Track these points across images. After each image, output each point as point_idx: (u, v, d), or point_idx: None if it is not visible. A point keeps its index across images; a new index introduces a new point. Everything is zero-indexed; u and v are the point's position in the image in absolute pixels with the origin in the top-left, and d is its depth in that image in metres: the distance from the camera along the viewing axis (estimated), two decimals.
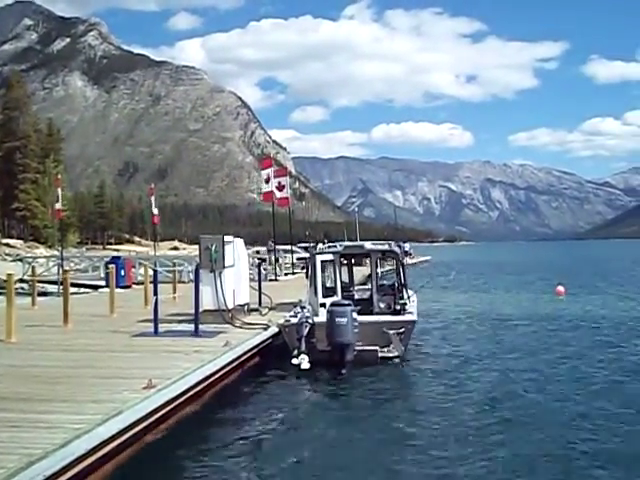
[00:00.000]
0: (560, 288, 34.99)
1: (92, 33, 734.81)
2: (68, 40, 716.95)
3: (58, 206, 31.65)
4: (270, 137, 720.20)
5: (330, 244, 19.92)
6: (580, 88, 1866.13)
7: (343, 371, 15.04)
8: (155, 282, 16.95)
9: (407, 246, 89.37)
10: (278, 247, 42.01)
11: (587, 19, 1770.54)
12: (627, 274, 56.76)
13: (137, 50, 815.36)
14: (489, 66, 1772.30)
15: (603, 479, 8.83)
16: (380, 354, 16.21)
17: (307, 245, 38.73)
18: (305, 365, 15.32)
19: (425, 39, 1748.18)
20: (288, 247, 44.57)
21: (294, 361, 15.51)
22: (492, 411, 12.06)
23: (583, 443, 10.16)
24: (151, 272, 21.72)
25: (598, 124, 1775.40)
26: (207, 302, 16.96)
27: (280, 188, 38.43)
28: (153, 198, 35.81)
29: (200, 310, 16.39)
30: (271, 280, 35.28)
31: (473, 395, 13.33)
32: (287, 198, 38.96)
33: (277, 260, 40.23)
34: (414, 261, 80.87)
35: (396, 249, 19.45)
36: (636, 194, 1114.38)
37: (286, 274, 40.08)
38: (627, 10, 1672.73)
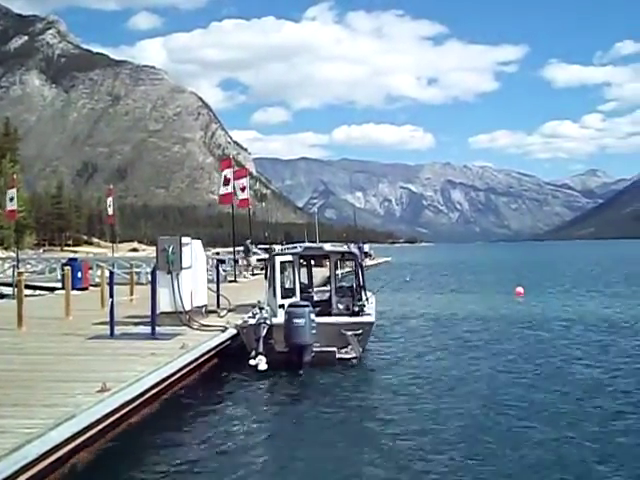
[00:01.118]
0: (519, 289, 35.40)
1: (50, 31, 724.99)
2: (26, 38, 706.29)
3: (12, 207, 31.14)
4: (231, 138, 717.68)
5: (290, 245, 19.88)
6: (539, 91, 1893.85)
7: (301, 372, 15.04)
8: (111, 284, 16.79)
9: (367, 247, 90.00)
10: (238, 248, 41.87)
11: (547, 23, 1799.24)
12: (584, 275, 57.54)
13: (97, 49, 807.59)
14: (450, 69, 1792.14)
15: (552, 466, 9.10)
16: (338, 355, 16.24)
17: (267, 247, 38.67)
18: (262, 366, 15.28)
19: (387, 41, 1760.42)
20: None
21: (252, 362, 15.46)
22: (450, 409, 12.18)
23: (533, 432, 10.65)
24: (108, 274, 21.51)
25: (557, 127, 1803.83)
26: (164, 304, 16.81)
27: (240, 189, 38.34)
28: (111, 199, 35.48)
29: (157, 312, 16.27)
30: (231, 281, 35.17)
31: (431, 395, 13.43)
32: (247, 199, 38.87)
33: (236, 262, 40.06)
34: (374, 262, 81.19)
35: (355, 251, 19.52)
36: (594, 196, 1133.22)
37: (245, 276, 39.92)
38: (586, 15, 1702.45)
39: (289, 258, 18.06)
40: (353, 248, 19.77)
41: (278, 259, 17.79)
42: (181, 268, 16.95)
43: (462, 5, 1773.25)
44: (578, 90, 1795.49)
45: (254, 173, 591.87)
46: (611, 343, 19.85)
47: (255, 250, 45.50)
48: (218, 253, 49.17)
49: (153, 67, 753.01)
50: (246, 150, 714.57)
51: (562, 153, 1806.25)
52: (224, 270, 37.99)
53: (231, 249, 43.09)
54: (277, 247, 21.56)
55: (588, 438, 10.36)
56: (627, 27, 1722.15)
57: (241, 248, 42.46)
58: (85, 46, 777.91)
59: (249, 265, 41.68)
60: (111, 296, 16.12)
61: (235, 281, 35.81)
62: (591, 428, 10.95)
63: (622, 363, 16.71)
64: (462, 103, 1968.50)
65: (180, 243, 17.14)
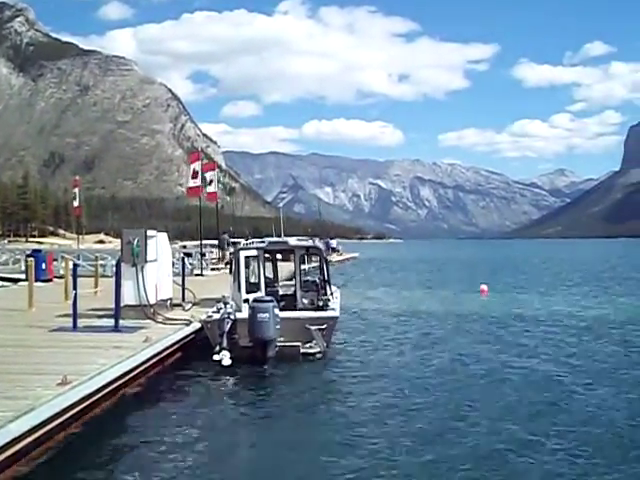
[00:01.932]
0: (483, 287, 35.69)
1: (19, 19, 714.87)
2: None
3: None
4: (200, 131, 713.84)
5: (257, 240, 19.85)
6: (509, 90, 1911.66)
7: (265, 367, 15.06)
8: (74, 276, 16.68)
9: (334, 243, 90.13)
10: (205, 242, 41.76)
11: (517, 23, 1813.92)
12: (548, 274, 58.11)
13: (66, 38, 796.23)
14: (421, 66, 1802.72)
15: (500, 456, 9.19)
16: (302, 350, 16.31)
17: (234, 240, 38.53)
18: (226, 361, 15.29)
19: (359, 37, 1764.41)
20: (215, 242, 44.29)
21: (215, 357, 15.48)
22: (412, 402, 12.38)
23: (487, 422, 10.99)
24: (72, 266, 21.32)
25: (526, 126, 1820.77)
26: (128, 297, 16.74)
27: (208, 183, 38.27)
28: (77, 190, 35.17)
29: (121, 305, 16.21)
30: (197, 275, 35.06)
31: (394, 389, 13.58)
32: (215, 193, 38.82)
33: (203, 255, 39.94)
34: (342, 258, 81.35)
35: (320, 245, 19.57)
36: (561, 195, 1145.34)
37: (212, 269, 39.80)
38: (556, 16, 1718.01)
39: (254, 253, 18.06)
40: (318, 243, 19.81)
41: (242, 253, 17.77)
42: (146, 261, 16.88)
43: (434, 3, 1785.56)
44: (547, 90, 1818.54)
45: (223, 166, 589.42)
46: (565, 339, 20.27)
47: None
48: (185, 246, 48.93)
49: (123, 58, 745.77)
50: (215, 143, 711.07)
51: (531, 152, 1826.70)
52: (191, 264, 37.86)
53: (199, 242, 42.91)
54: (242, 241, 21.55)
55: (528, 427, 10.84)
56: (597, 28, 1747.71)
57: (216, 242, 42.46)
58: (54, 35, 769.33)
59: (224, 258, 41.52)
60: (74, 288, 16.05)
61: (202, 275, 35.69)
62: (535, 419, 11.44)
63: (571, 356, 17.28)
64: (432, 100, 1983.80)
65: (145, 236, 17.06)
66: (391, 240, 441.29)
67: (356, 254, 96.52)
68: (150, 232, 17.56)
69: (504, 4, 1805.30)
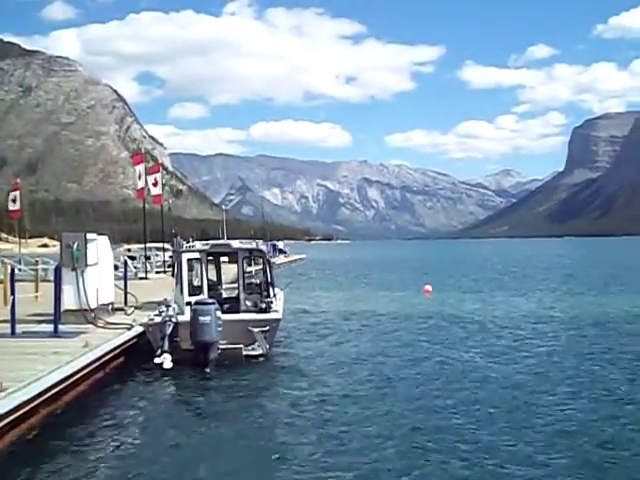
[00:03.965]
0: (427, 287, 35.99)
1: None
2: None
3: None
4: (147, 132, 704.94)
5: (204, 242, 19.77)
6: (455, 92, 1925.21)
7: (207, 370, 15.06)
8: (12, 280, 16.46)
9: (281, 244, 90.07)
10: (150, 245, 41.46)
11: (463, 25, 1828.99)
12: (493, 273, 58.85)
13: (8, 38, 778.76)
14: (368, 68, 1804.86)
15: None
16: (245, 352, 16.32)
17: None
18: (168, 364, 15.26)
19: (306, 39, 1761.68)
20: (160, 245, 43.94)
21: (157, 360, 15.43)
22: (355, 403, 12.52)
23: (423, 419, 11.11)
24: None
25: (472, 127, 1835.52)
26: (69, 301, 16.58)
27: (153, 185, 37.98)
28: (17, 193, 34.60)
29: (61, 310, 16.03)
30: (142, 278, 34.78)
31: (336, 389, 13.74)
32: (160, 195, 38.53)
33: (148, 258, 39.61)
34: (289, 259, 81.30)
35: (262, 248, 19.61)
36: (507, 195, 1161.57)
37: (157, 272, 39.52)
38: (501, 18, 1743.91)
39: (196, 255, 18.02)
40: (261, 245, 19.85)
41: (185, 256, 17.73)
42: (86, 265, 16.73)
43: (380, 5, 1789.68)
44: (493, 92, 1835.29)
45: (170, 168, 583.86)
46: (503, 336, 20.84)
47: (167, 246, 45.05)
48: (130, 250, 48.42)
49: (67, 58, 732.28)
50: (162, 145, 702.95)
51: (477, 153, 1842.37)
52: (135, 267, 37.56)
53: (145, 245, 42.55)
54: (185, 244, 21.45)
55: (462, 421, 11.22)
56: (540, 31, 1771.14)
57: (161, 245, 42.14)
58: None
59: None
60: (12, 293, 15.82)
61: (146, 278, 35.42)
62: (469, 414, 11.85)
63: (506, 353, 17.75)
64: (379, 102, 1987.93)
65: (85, 239, 16.91)
66: (339, 241, 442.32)
67: (303, 255, 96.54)
68: (90, 235, 17.40)
69: (450, 7, 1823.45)
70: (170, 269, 39.70)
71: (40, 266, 29.56)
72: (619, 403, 12.50)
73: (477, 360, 17.02)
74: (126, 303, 20.08)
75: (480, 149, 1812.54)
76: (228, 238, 21.95)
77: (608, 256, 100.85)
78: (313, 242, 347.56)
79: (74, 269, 16.60)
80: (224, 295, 19.55)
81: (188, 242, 21.53)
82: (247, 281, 19.31)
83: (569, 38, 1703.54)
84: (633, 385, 14.02)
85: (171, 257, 30.12)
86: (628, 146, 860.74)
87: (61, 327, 15.54)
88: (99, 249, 17.74)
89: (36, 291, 23.75)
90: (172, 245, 41.64)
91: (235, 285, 20.07)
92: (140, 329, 16.51)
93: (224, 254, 20.93)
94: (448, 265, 76.87)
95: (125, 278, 21.76)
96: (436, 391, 13.58)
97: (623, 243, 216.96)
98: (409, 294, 36.23)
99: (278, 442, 10.43)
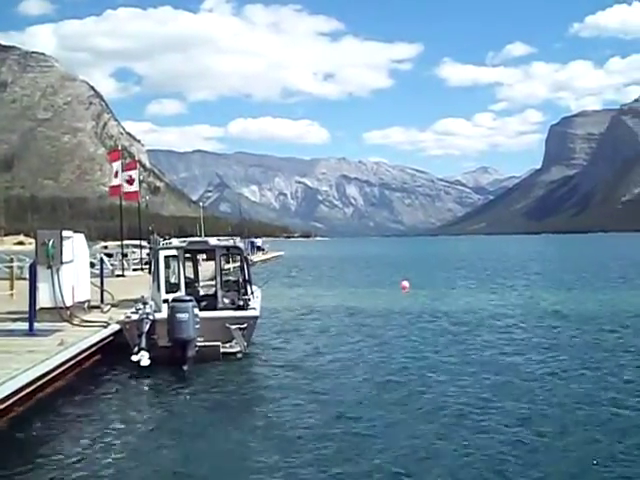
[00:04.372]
0: (405, 283, 36.08)
1: None
2: None
3: None
4: (124, 129, 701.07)
5: (181, 239, 19.68)
6: (433, 89, 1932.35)
7: (185, 367, 14.98)
8: None
9: (259, 242, 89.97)
10: (127, 242, 41.21)
11: (441, 23, 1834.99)
12: (472, 270, 59.14)
13: None
14: (346, 65, 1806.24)
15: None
16: (222, 350, 16.29)
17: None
18: (145, 362, 15.16)
19: (284, 35, 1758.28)
20: (137, 242, 43.67)
21: (134, 358, 15.32)
22: (333, 400, 12.55)
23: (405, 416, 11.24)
24: None
25: (449, 124, 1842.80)
26: (44, 299, 16.45)
27: (130, 182, 37.70)
28: None
29: (37, 308, 15.90)
30: (118, 276, 34.55)
31: (314, 385, 13.75)
32: (136, 192, 38.26)
33: (125, 255, 39.37)
34: (267, 256, 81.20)
35: (240, 245, 19.55)
36: (485, 192, 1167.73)
37: (134, 269, 39.27)
38: (479, 16, 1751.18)
39: (173, 252, 17.93)
40: (239, 242, 19.79)
41: (162, 253, 17.62)
42: (61, 262, 16.61)
43: (359, 2, 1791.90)
44: (470, 89, 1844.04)
45: (147, 165, 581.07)
46: (481, 333, 20.95)
47: (144, 244, 44.84)
48: (106, 247, 48.02)
49: (43, 54, 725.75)
50: (139, 141, 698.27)
51: (454, 150, 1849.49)
52: (112, 264, 37.31)
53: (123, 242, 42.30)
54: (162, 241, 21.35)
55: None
56: (517, 29, 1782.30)
57: (138, 242, 41.85)
58: None
59: None
60: None
61: (123, 275, 35.18)
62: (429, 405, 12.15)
63: (482, 350, 17.85)
64: (357, 99, 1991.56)
65: (61, 237, 16.77)
66: (317, 238, 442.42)
67: (281, 252, 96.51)
68: (66, 233, 17.27)
69: (428, 4, 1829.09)
70: (147, 266, 39.62)
71: (15, 264, 29.23)
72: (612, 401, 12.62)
73: (448, 354, 17.26)
74: (102, 301, 19.95)
75: (458, 146, 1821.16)
76: (206, 235, 21.89)
77: (583, 253, 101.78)
78: (292, 239, 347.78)
79: (49, 267, 16.47)
80: (201, 292, 19.49)
81: (164, 239, 21.42)
82: (225, 278, 19.28)
83: (546, 36, 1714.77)
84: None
85: (148, 254, 29.90)
86: (604, 143, 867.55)
87: (36, 325, 15.40)
88: (75, 246, 17.63)
89: (11, 289, 23.57)
90: (149, 242, 41.48)
91: (213, 282, 20.00)
92: (117, 327, 16.42)
93: (201, 251, 20.87)
94: (425, 262, 77.07)
95: (101, 276, 21.62)
96: (412, 385, 13.72)
97: (599, 240, 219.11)
98: (386, 291, 36.34)
99: (256, 438, 10.41)
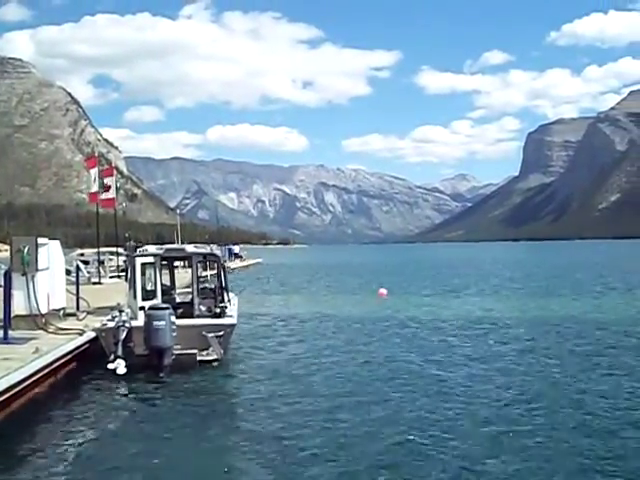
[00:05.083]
0: (382, 290, 36.10)
1: None
2: None
3: None
4: (101, 135, 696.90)
5: (158, 247, 19.62)
6: (411, 97, 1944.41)
7: (161, 375, 14.95)
8: None
9: (237, 249, 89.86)
10: (104, 249, 41.00)
11: (419, 31, 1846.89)
12: (448, 277, 59.37)
13: None
14: (325, 72, 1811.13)
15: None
16: (199, 357, 16.25)
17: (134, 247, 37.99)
18: (121, 370, 15.09)
19: (263, 43, 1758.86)
20: (114, 249, 43.48)
21: (110, 366, 15.24)
22: (310, 407, 12.55)
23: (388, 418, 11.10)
24: None
25: (428, 132, 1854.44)
26: (19, 307, 16.33)
27: (106, 189, 37.53)
28: None
29: (11, 315, 15.79)
30: (95, 283, 34.38)
31: (292, 393, 13.74)
32: (113, 199, 38.07)
33: (102, 262, 39.18)
34: (245, 264, 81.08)
35: (217, 252, 19.60)
36: (463, 199, 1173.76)
37: (111, 277, 39.09)
38: (457, 24, 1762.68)
39: (150, 260, 17.87)
40: (216, 249, 19.81)
41: (138, 260, 17.56)
42: (37, 270, 16.51)
43: (337, 10, 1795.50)
44: (448, 97, 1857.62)
45: (125, 172, 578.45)
46: (457, 340, 21.03)
47: (120, 251, 44.66)
48: (83, 254, 47.73)
49: (20, 60, 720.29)
50: (117, 148, 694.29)
51: (433, 157, 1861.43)
52: (88, 272, 37.12)
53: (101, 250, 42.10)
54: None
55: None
56: (495, 38, 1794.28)
57: (115, 250, 41.69)
58: None
59: None
60: None
61: (100, 283, 35.01)
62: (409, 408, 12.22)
63: (462, 356, 17.83)
64: (336, 106, 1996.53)
65: (36, 244, 16.68)
66: (296, 245, 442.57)
67: (260, 260, 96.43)
68: (41, 240, 17.18)
69: (406, 12, 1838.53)
70: (124, 274, 39.45)
71: None
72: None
73: (421, 360, 17.35)
74: (78, 308, 19.85)
75: (436, 154, 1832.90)
76: (183, 242, 21.84)
77: (558, 260, 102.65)
78: (270, 246, 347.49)
79: (24, 274, 16.36)
80: (178, 300, 19.43)
81: (139, 246, 21.36)
82: (201, 286, 19.27)
83: (524, 44, 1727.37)
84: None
85: (125, 262, 29.80)
86: (581, 151, 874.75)
87: (11, 333, 15.26)
88: (50, 253, 17.53)
89: None
90: (125, 249, 41.29)
91: (189, 290, 19.96)
92: (92, 334, 16.32)
93: (178, 258, 20.84)
94: (403, 269, 77.26)
95: (77, 283, 21.53)
96: (388, 390, 13.81)
97: (575, 247, 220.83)
98: (364, 297, 36.42)
99: (233, 445, 10.40)
